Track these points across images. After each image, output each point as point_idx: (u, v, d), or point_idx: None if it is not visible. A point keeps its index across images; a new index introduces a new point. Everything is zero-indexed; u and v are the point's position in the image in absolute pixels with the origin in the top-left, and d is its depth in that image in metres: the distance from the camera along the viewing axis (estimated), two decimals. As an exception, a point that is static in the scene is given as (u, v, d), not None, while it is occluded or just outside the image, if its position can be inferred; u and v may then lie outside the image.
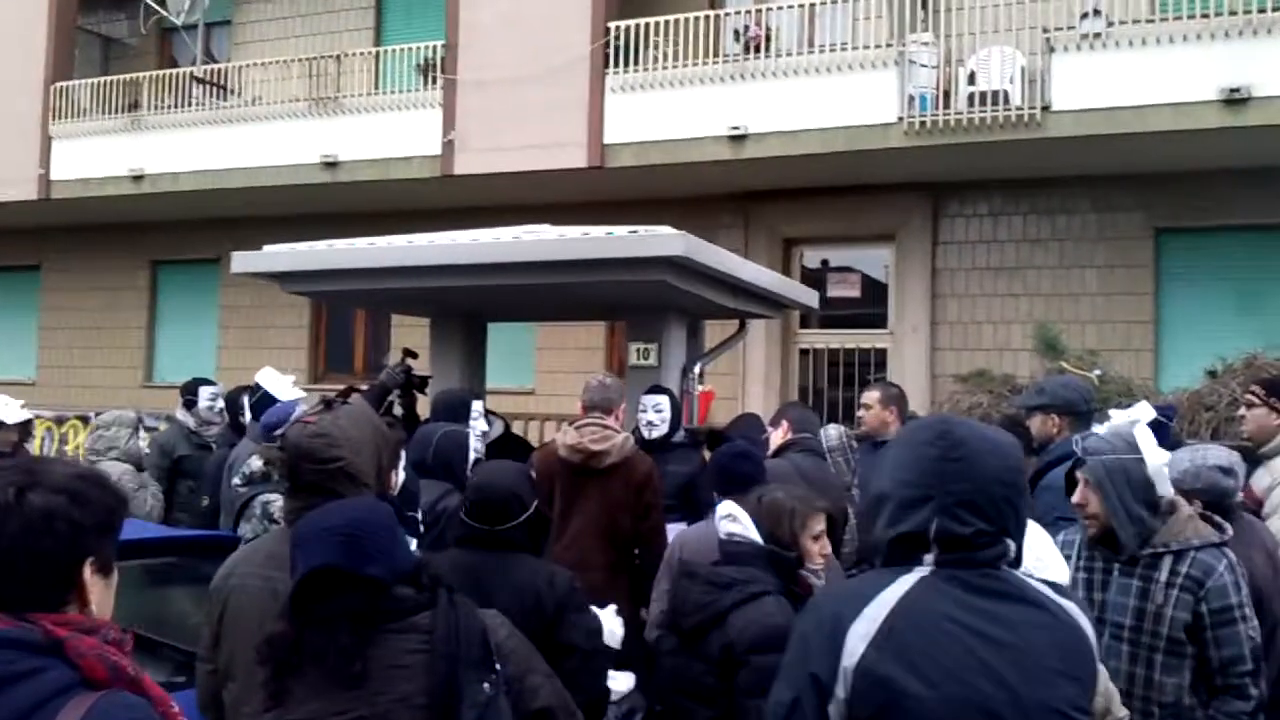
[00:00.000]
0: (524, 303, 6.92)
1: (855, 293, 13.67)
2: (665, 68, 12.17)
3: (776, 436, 4.97)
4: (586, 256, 5.56)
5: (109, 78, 16.03)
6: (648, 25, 12.30)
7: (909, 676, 1.90)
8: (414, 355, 6.86)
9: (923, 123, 11.03)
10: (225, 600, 2.88)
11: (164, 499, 6.72)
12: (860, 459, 5.75)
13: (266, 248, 6.51)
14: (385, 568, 2.45)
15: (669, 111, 12.11)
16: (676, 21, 12.17)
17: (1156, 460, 3.33)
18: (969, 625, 1.94)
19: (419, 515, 4.19)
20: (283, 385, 5.71)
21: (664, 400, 5.89)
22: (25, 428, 6.69)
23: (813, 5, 11.84)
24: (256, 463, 4.99)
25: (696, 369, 6.70)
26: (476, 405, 5.53)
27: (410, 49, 13.95)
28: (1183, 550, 3.25)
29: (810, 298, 7.43)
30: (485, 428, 5.54)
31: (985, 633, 1.93)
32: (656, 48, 12.24)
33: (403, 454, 3.73)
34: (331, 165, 13.78)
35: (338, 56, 14.15)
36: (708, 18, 12.11)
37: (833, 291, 13.72)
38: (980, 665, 1.90)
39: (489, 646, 2.54)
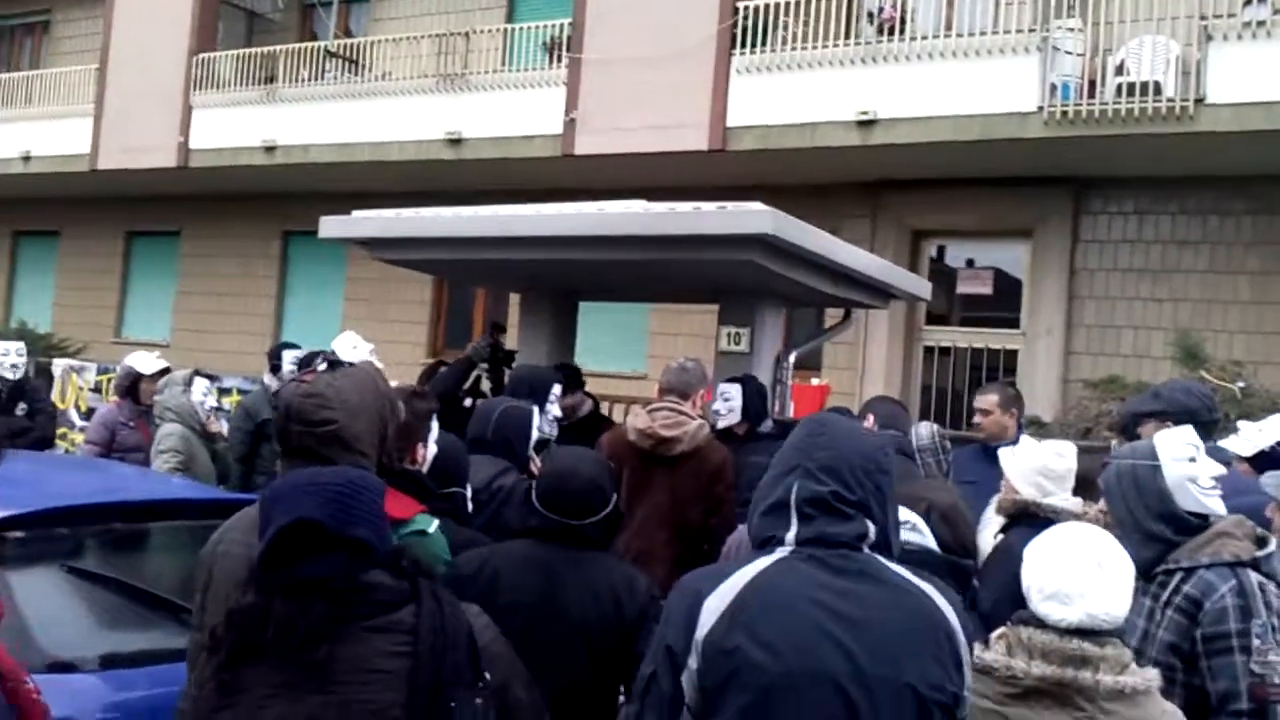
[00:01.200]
0: (613, 281, 6.65)
1: (987, 290, 13.03)
2: (794, 49, 11.75)
3: (862, 433, 4.60)
4: (669, 232, 5.25)
5: (248, 50, 16.34)
6: (778, 5, 11.90)
7: (754, 647, 1.99)
8: (502, 329, 6.69)
9: (1064, 112, 10.39)
10: (211, 567, 2.68)
11: (247, 462, 6.70)
12: (965, 464, 5.32)
13: (356, 213, 6.38)
14: (373, 532, 2.19)
15: (796, 94, 11.70)
16: (808, 1, 11.74)
17: (1178, 471, 2.96)
18: (820, 601, 2.02)
19: (467, 492, 3.96)
20: (354, 352, 5.56)
21: (734, 390, 5.56)
22: (163, 376, 6.69)
23: (953, -14, 11.29)
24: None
25: (791, 358, 6.33)
26: (556, 388, 5.29)
27: (537, 27, 13.82)
28: (1192, 568, 2.90)
29: (921, 288, 6.97)
30: (558, 412, 5.29)
31: (835, 609, 2.01)
32: (786, 28, 11.83)
33: (434, 427, 3.51)
34: (455, 142, 13.75)
35: (466, 33, 14.10)
36: (839, -2, 11.66)
37: (963, 288, 13.15)
38: (827, 639, 1.98)
39: (476, 650, 2.25)
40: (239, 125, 15.65)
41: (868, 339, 12.94)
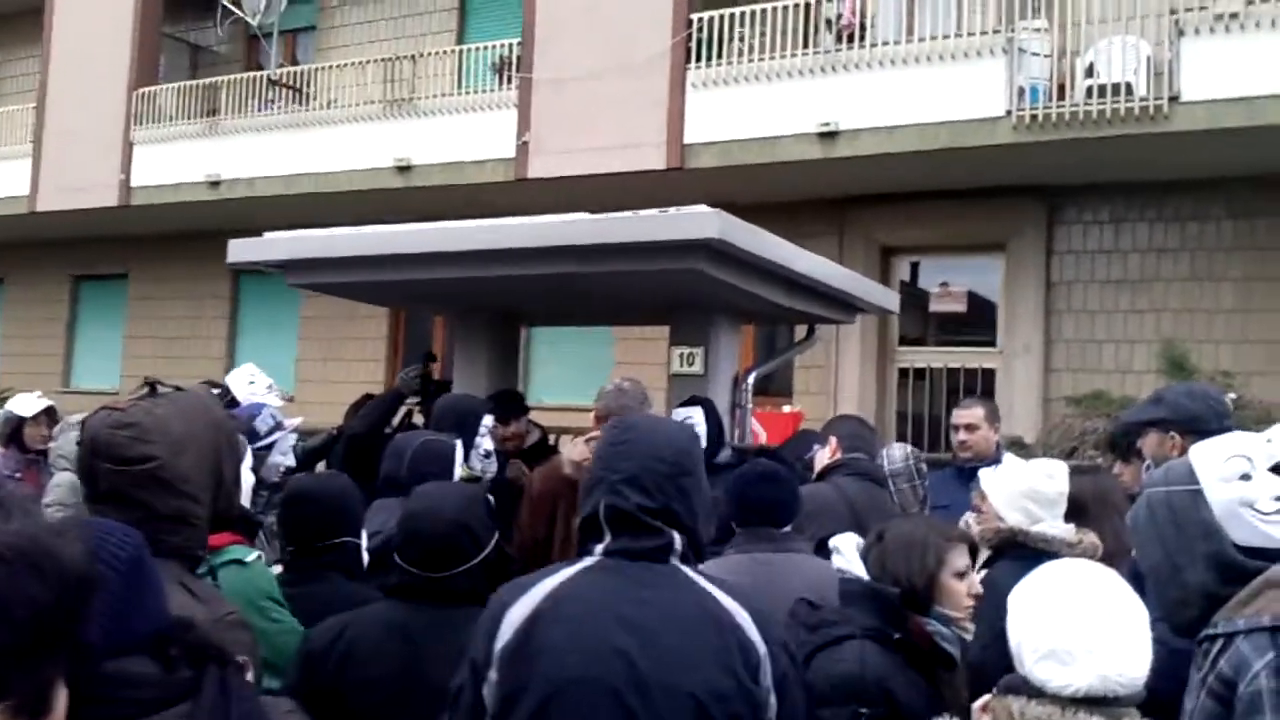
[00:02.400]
0: (555, 302, 6.09)
1: (961, 307, 12.55)
2: (751, 60, 11.29)
3: (822, 456, 4.03)
4: (602, 240, 4.69)
5: (188, 82, 15.79)
6: (733, 16, 11.44)
7: (543, 656, 2.00)
8: (434, 359, 6.12)
9: (1034, 116, 9.94)
10: None
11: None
12: (937, 488, 4.77)
13: (267, 235, 5.81)
14: (105, 629, 1.61)
15: (754, 108, 11.23)
16: (764, 11, 11.29)
17: (1227, 494, 2.16)
18: (614, 610, 2.03)
19: (361, 541, 3.40)
20: (247, 386, 4.98)
21: (695, 413, 5.00)
22: (49, 416, 6.03)
23: (914, -10, 10.83)
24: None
25: (751, 379, 5.76)
26: (487, 419, 4.71)
27: (486, 48, 13.34)
28: (1229, 635, 2.05)
29: (889, 300, 6.42)
30: (490, 446, 4.71)
31: (627, 617, 2.02)
32: (742, 39, 11.37)
33: (246, 455, 2.95)
34: (405, 169, 13.21)
35: (413, 57, 13.59)
36: (798, 6, 11.19)
37: (936, 306, 12.67)
38: (611, 647, 1.99)
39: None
40: (181, 160, 15.08)
41: (839, 362, 12.42)
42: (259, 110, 14.80)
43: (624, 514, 2.10)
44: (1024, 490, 3.66)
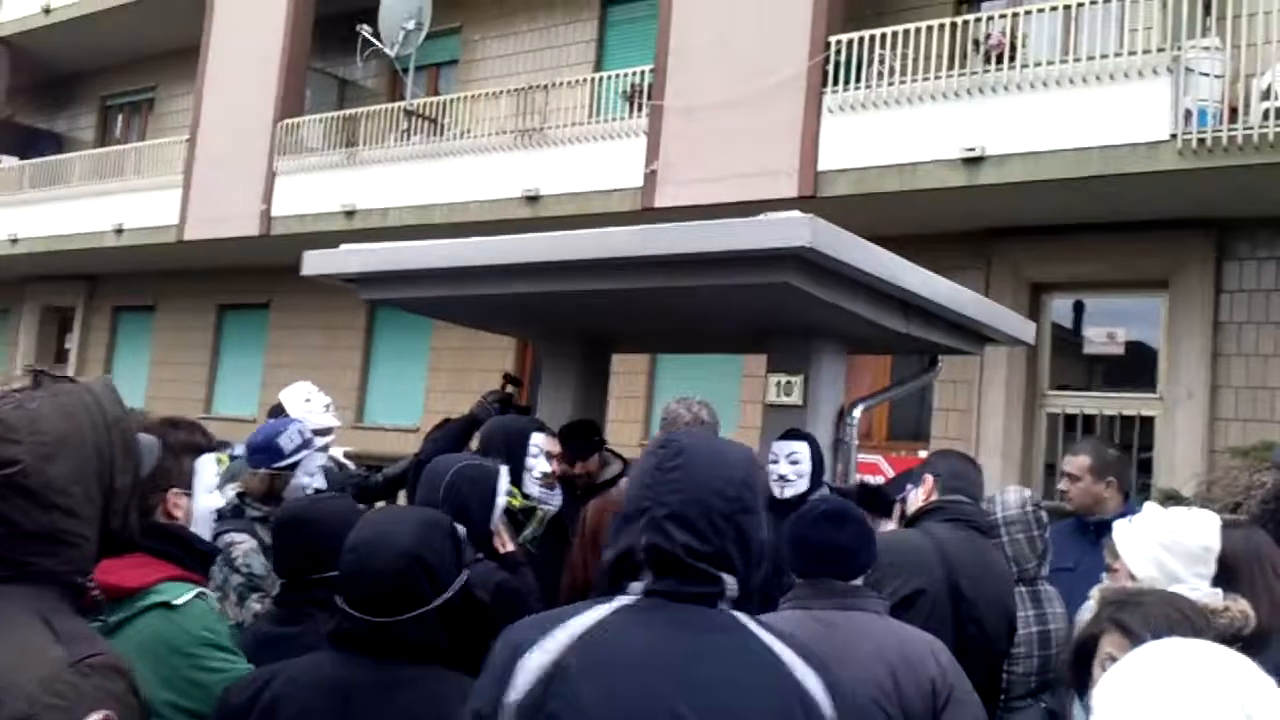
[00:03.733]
0: (640, 324, 5.62)
1: (1118, 349, 11.60)
2: (892, 84, 10.66)
3: (915, 497, 3.41)
4: (678, 251, 4.19)
5: (329, 114, 15.93)
6: (874, 37, 10.85)
7: (572, 715, 1.62)
8: (517, 382, 5.69)
9: (1201, 140, 9.05)
10: None
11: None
12: (1058, 543, 4.09)
13: (343, 246, 5.49)
14: None
15: (894, 133, 10.59)
16: (908, 32, 10.66)
17: None
18: (661, 663, 1.66)
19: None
20: (303, 405, 4.64)
21: (801, 449, 4.47)
22: None
23: (1073, 6, 10.03)
24: (231, 492, 3.87)
25: (857, 413, 5.15)
26: (537, 439, 4.24)
27: (618, 75, 13.01)
28: None
29: (1023, 330, 5.71)
30: (547, 468, 4.24)
31: (677, 672, 1.65)
32: (883, 61, 10.76)
33: (203, 469, 2.52)
34: (533, 199, 12.97)
35: (545, 86, 13.37)
36: (944, 26, 10.54)
37: (1091, 348, 11.75)
38: (662, 708, 1.61)
39: None
40: (320, 190, 15.19)
41: (982, 405, 11.60)
42: (398, 141, 14.81)
43: (668, 558, 1.73)
44: (1162, 540, 3.02)
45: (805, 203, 10.90)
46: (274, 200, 15.74)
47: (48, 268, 20.49)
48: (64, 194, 18.93)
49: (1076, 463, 4.64)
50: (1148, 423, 11.00)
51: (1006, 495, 3.94)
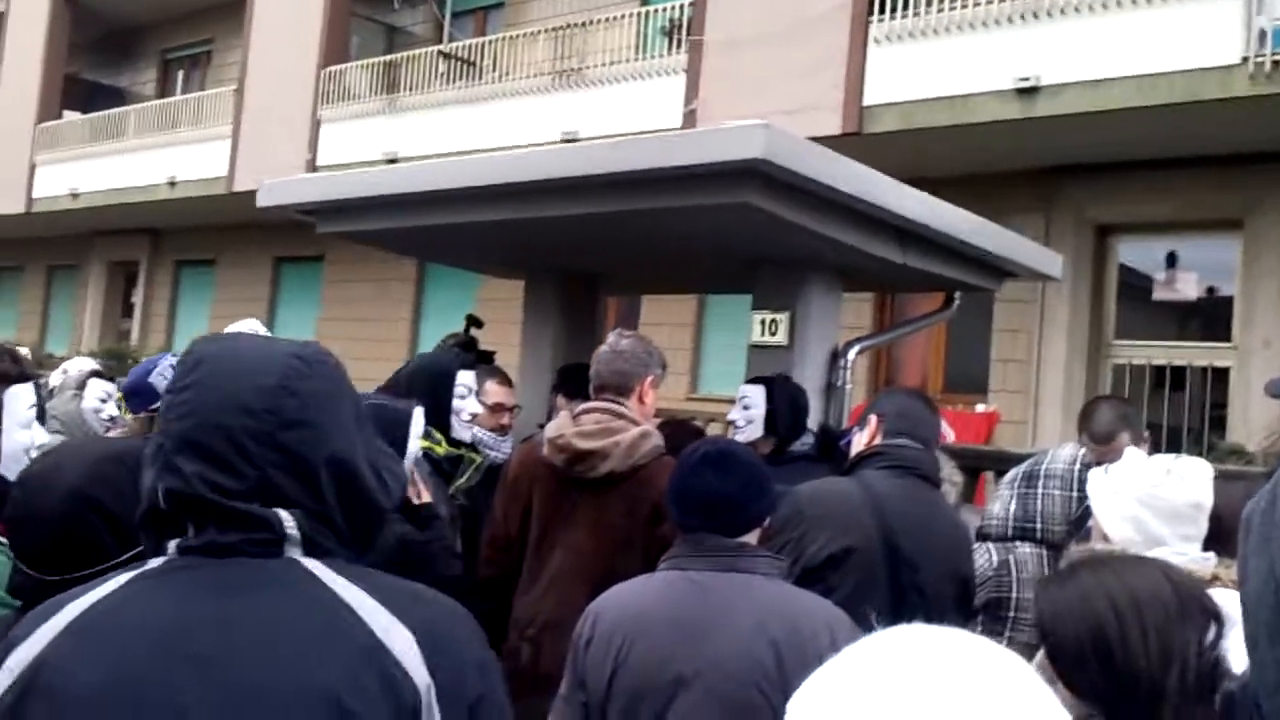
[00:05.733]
0: (623, 263, 5.16)
1: (1190, 295, 10.83)
2: (941, 10, 9.97)
3: (859, 442, 2.90)
4: (612, 170, 3.72)
5: (370, 60, 15.61)
6: (923, -39, 10.16)
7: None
8: (478, 324, 5.27)
9: (1276, 63, 8.26)
10: None
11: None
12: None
13: (299, 175, 5.10)
14: None
15: (943, 63, 9.90)
16: (959, -46, 9.96)
17: None
18: (170, 640, 1.24)
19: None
20: None
21: (755, 393, 4.02)
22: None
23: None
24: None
25: (851, 354, 4.63)
26: (465, 377, 3.80)
27: (657, 11, 12.46)
28: None
29: (1045, 262, 5.10)
30: (477, 409, 3.81)
31: (195, 648, 1.23)
32: (932, -14, 10.06)
33: (21, 402, 2.15)
34: (572, 141, 12.49)
35: (583, 24, 12.87)
36: (998, -54, 9.81)
37: (1159, 294, 10.99)
38: (161, 699, 1.20)
39: None
40: (363, 138, 14.93)
41: (1042, 355, 10.93)
42: (439, 85, 14.45)
43: (192, 500, 1.32)
44: (1140, 496, 2.51)
45: (850, 140, 10.30)
46: (319, 149, 15.50)
47: (112, 222, 20.56)
48: (119, 148, 18.93)
49: (1115, 447, 4.02)
50: (1221, 374, 10.25)
51: (1062, 449, 3.50)
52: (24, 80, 20.77)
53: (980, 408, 11.26)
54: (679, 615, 2.16)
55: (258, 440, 1.32)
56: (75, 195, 19.49)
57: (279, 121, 15.80)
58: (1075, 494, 3.48)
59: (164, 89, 21.65)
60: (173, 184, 17.64)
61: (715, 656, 2.08)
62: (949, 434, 5.31)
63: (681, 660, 2.12)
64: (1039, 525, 3.50)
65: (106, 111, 19.97)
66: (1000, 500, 3.51)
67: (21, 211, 20.58)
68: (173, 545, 1.33)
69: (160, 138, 18.23)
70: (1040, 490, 3.54)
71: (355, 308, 17.34)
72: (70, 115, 20.62)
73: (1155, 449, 5.71)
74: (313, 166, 15.42)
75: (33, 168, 20.48)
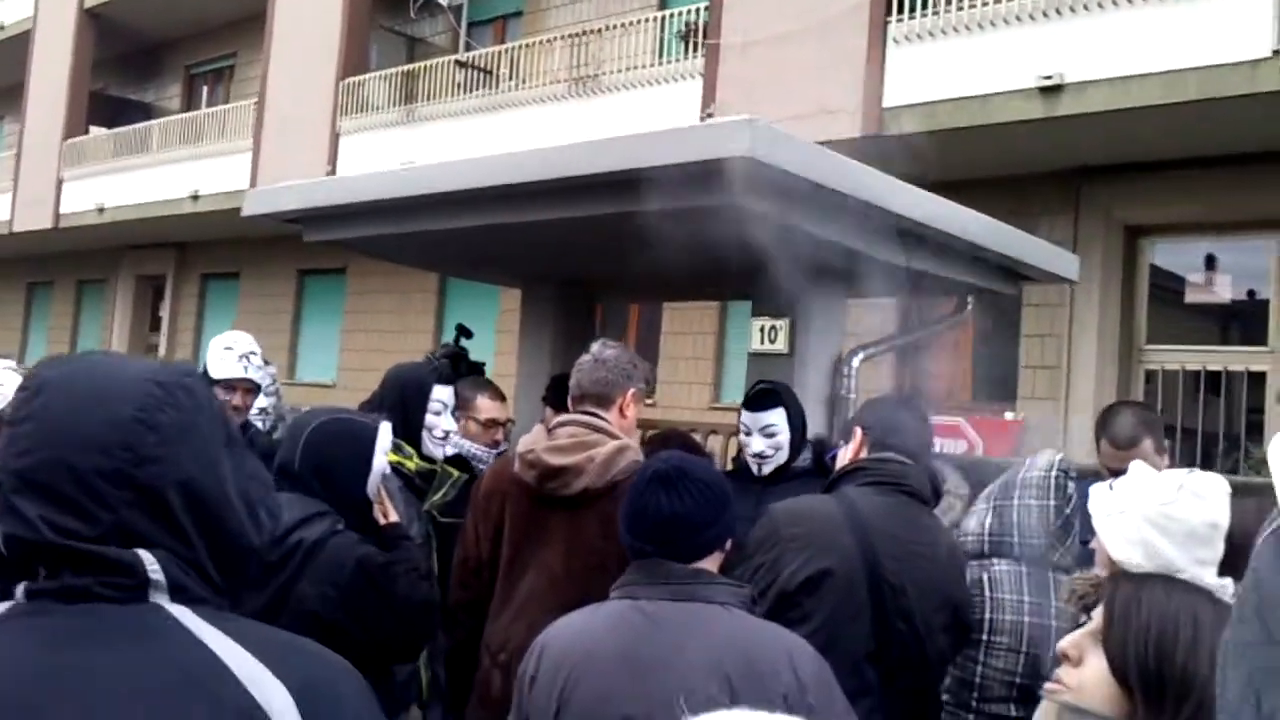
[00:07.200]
0: (617, 270, 4.98)
1: (1224, 297, 10.52)
2: (961, 8, 9.73)
3: (844, 457, 2.69)
4: (588, 172, 3.55)
5: (388, 70, 15.53)
6: (943, -41, 9.93)
7: None
8: (468, 334, 5.11)
9: (1308, 56, 7.99)
10: None
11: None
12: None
13: (284, 183, 4.95)
14: None
15: (965, 63, 9.67)
16: (980, -49, 9.72)
17: None
18: (3, 702, 1.08)
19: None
20: (227, 355, 4.22)
21: (777, 419, 3.76)
22: None
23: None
24: None
25: (856, 362, 4.42)
26: (440, 392, 3.63)
27: (674, 15, 12.29)
28: None
29: (1061, 264, 4.87)
30: (450, 426, 3.63)
31: (29, 709, 1.07)
32: (952, -16, 9.83)
33: None
34: (589, 149, 12.35)
35: (599, 30, 12.71)
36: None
37: (1193, 296, 10.69)
38: None
39: None
40: (382, 149, 14.82)
41: (1072, 361, 10.64)
42: (454, 96, 14.35)
43: (36, 546, 1.16)
44: (1150, 516, 2.28)
45: (870, 143, 10.06)
46: (339, 162, 15.43)
47: (139, 237, 20.60)
48: (144, 162, 18.96)
49: (1136, 454, 3.78)
50: (1257, 379, 9.93)
51: (1038, 457, 3.25)
52: (51, 97, 20.88)
53: (1008, 415, 10.98)
54: (627, 650, 1.97)
55: (111, 480, 1.16)
56: (101, 210, 19.54)
57: (299, 133, 15.75)
58: (1052, 502, 3.26)
59: (189, 103, 21.70)
60: (196, 197, 17.64)
61: (664, 697, 1.88)
62: (978, 445, 5.10)
63: (628, 701, 1.92)
64: (1015, 539, 3.27)
65: (131, 126, 20.02)
66: (976, 515, 3.28)
67: (49, 227, 20.67)
68: (20, 589, 1.18)
69: (184, 151, 18.25)
70: (1016, 502, 3.30)
71: (378, 319, 17.26)
72: (96, 131, 20.69)
73: (1187, 460, 5.44)
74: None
75: (60, 183, 20.56)
